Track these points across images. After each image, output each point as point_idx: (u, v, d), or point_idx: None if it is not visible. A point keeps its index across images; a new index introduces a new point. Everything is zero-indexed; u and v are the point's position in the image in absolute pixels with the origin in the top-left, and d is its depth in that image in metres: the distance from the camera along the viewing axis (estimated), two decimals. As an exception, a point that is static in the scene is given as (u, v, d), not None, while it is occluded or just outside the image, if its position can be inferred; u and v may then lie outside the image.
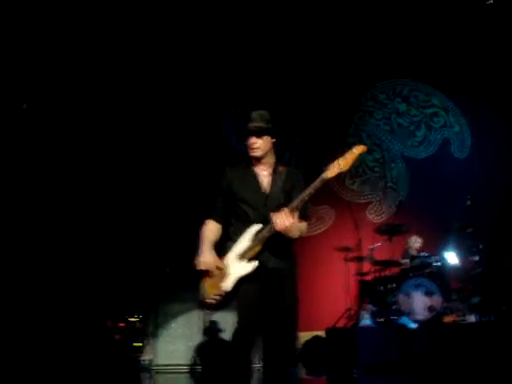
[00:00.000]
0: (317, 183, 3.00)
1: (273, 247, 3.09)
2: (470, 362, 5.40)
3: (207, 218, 3.28)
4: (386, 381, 5.42)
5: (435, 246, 7.17)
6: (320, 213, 8.36)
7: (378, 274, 7.16)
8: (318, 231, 8.32)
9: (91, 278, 6.83)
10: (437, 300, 6.51)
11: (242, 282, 3.05)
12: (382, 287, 6.98)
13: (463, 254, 6.92)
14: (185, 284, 6.42)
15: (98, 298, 6.74)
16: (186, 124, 8.08)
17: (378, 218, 8.36)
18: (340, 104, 8.52)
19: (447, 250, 6.96)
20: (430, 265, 6.86)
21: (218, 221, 3.27)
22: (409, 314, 6.52)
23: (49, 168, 7.00)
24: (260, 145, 3.18)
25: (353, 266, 7.37)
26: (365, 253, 7.19)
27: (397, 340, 5.89)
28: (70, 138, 7.28)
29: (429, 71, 8.62)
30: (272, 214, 2.99)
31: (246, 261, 3.07)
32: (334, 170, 3.00)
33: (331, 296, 7.65)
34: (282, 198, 3.15)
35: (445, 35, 8.36)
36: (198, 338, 6.70)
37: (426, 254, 6.95)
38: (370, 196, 8.51)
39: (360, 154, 3.03)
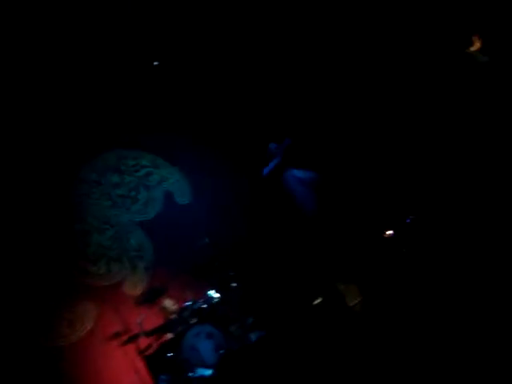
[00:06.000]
0: None
1: None
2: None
3: None
4: None
5: (197, 291, 7.38)
6: (77, 314, 7.75)
7: (158, 343, 7.03)
8: (83, 333, 7.66)
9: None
10: (219, 338, 6.72)
11: None
12: (168, 352, 6.87)
13: (220, 286, 7.28)
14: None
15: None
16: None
17: (136, 290, 8.19)
18: (56, 197, 8.18)
19: (209, 290, 7.24)
20: (199, 310, 7.03)
21: None
22: (201, 363, 6.57)
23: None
24: None
25: (131, 348, 7.07)
26: (136, 330, 6.97)
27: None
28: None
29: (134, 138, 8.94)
30: None
31: None
32: None
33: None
34: None
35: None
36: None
37: (190, 303, 7.09)
38: (120, 273, 8.31)
39: None
